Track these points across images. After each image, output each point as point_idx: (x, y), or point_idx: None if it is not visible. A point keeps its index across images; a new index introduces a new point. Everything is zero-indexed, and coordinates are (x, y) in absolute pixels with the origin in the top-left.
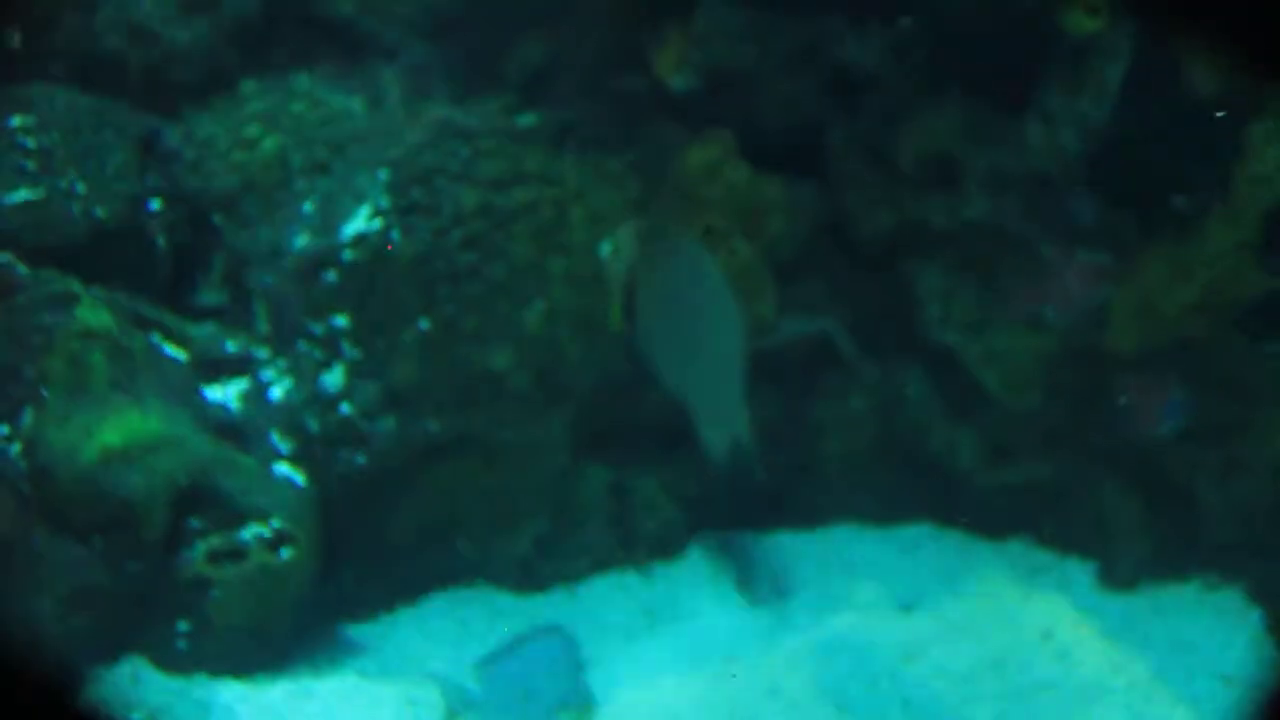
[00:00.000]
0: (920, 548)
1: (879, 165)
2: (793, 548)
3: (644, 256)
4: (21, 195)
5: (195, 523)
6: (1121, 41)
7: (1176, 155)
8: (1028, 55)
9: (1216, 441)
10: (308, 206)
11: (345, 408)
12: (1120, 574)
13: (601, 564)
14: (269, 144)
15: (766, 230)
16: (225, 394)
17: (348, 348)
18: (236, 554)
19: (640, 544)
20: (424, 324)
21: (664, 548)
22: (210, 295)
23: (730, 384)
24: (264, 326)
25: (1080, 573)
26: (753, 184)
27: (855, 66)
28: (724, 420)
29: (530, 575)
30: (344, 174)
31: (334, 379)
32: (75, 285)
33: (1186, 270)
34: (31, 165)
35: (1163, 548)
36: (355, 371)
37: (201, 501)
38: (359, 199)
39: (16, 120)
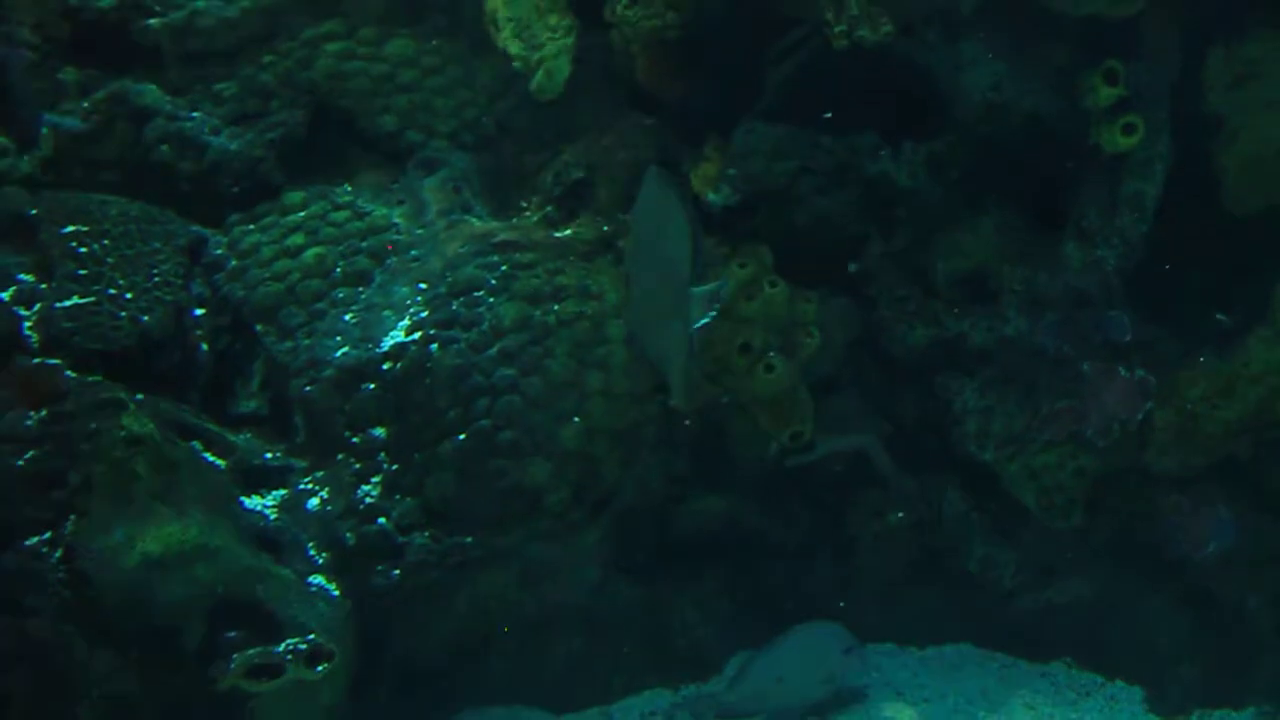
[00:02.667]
0: (962, 669)
1: (915, 281)
2: None
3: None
4: (73, 301)
5: (232, 634)
6: (1157, 160)
7: (1216, 272)
8: (1064, 172)
9: (1266, 562)
10: (348, 317)
11: (382, 520)
12: (1170, 699)
13: (636, 682)
14: (311, 254)
15: (803, 346)
16: (263, 504)
17: (385, 460)
18: (272, 667)
19: (675, 662)
20: (461, 437)
21: (699, 666)
22: (249, 402)
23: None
24: (302, 436)
25: (1128, 697)
26: (790, 300)
27: (890, 183)
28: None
29: (564, 693)
30: (384, 285)
31: (371, 491)
32: (121, 392)
33: (1230, 388)
34: (83, 272)
35: (1214, 672)
36: (392, 484)
37: (239, 613)
38: (399, 311)
39: (70, 227)
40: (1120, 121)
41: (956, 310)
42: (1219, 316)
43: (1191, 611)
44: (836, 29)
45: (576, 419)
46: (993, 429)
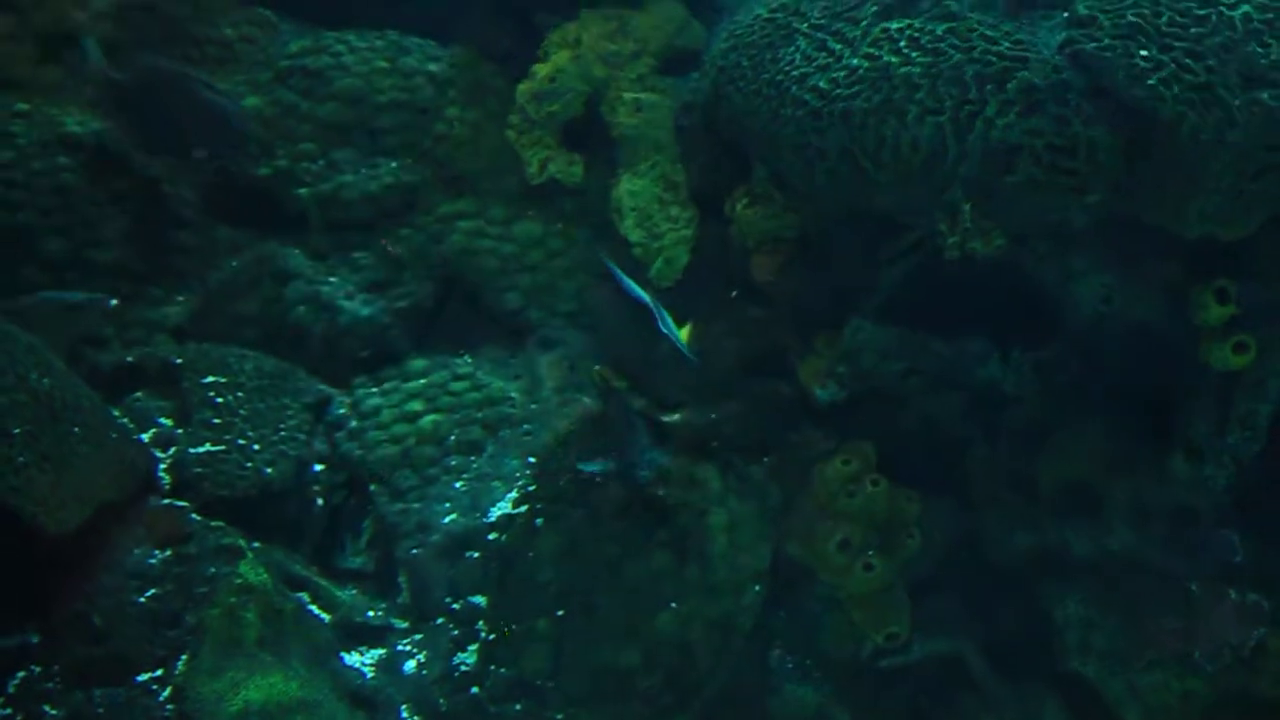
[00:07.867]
0: None
1: (1019, 486)
2: None
3: None
4: (205, 448)
5: None
6: (1271, 378)
7: None
8: (1173, 386)
9: None
10: (459, 484)
11: (475, 690)
12: None
13: None
14: (428, 420)
15: (904, 546)
16: (362, 661)
17: (484, 629)
18: None
19: None
20: (560, 613)
21: None
22: (357, 559)
23: None
24: (405, 597)
25: None
26: (892, 499)
27: (998, 388)
28: None
29: None
30: (496, 455)
31: (467, 659)
32: (240, 540)
33: None
34: (218, 421)
35: None
36: (489, 653)
37: None
38: (508, 482)
39: (210, 378)
40: (1232, 340)
41: (1059, 518)
42: None
43: None
44: (950, 240)
45: (674, 604)
46: (1095, 642)
